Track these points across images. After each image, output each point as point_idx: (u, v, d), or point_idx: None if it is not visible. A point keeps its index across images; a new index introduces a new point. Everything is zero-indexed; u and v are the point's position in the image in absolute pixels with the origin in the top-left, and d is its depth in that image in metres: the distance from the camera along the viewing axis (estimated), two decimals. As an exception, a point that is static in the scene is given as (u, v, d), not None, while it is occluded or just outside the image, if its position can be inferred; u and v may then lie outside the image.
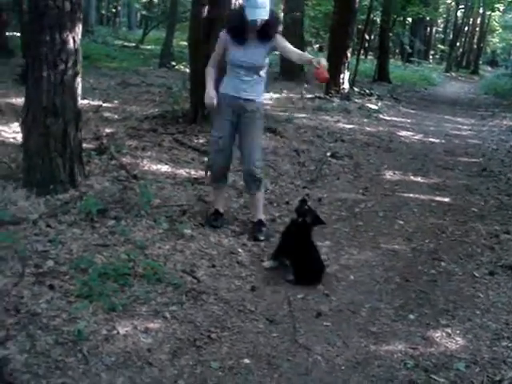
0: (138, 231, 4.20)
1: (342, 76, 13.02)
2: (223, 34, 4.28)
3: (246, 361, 2.94)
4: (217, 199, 4.68)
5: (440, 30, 49.28)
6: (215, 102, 4.29)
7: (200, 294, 3.51)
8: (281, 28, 4.33)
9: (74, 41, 4.47)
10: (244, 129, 4.37)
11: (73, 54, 4.47)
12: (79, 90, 4.68)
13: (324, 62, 3.94)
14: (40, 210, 4.28)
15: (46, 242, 3.82)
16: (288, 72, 15.76)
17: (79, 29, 4.55)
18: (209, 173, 4.74)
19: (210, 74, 4.36)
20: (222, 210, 4.67)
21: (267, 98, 4.35)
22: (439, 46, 46.21)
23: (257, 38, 4.21)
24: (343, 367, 2.96)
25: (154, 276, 3.56)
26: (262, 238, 4.43)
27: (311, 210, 4.00)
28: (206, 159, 6.18)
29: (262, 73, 4.35)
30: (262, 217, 4.59)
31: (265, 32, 4.18)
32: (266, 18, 4.07)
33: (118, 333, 2.99)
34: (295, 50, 4.33)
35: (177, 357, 2.89)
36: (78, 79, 4.63)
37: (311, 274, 3.88)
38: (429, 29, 40.12)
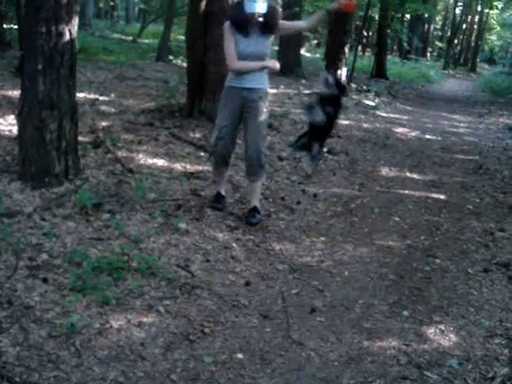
0: (132, 225, 4.19)
1: (339, 72, 13.01)
2: (228, 27, 4.32)
3: (239, 356, 2.94)
4: (219, 183, 4.85)
5: (438, 27, 49.23)
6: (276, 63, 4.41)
7: (194, 288, 3.51)
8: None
9: (71, 33, 4.45)
10: (249, 117, 4.45)
11: (69, 47, 4.46)
12: (75, 83, 4.66)
13: None
14: (35, 202, 4.26)
15: (41, 235, 3.81)
16: (285, 67, 15.74)
17: (75, 21, 4.53)
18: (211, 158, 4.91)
19: (242, 62, 4.33)
20: (223, 193, 4.85)
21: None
22: (437, 43, 46.20)
23: (259, 31, 4.31)
24: (336, 363, 2.96)
25: (148, 270, 3.56)
26: (254, 221, 4.56)
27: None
28: (202, 154, 6.20)
29: None
30: (258, 204, 4.71)
31: (265, 25, 4.30)
32: (263, 11, 4.19)
33: (111, 326, 2.99)
34: (296, 22, 4.50)
35: (170, 351, 2.89)
36: (74, 72, 4.61)
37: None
38: (427, 26, 40.04)
